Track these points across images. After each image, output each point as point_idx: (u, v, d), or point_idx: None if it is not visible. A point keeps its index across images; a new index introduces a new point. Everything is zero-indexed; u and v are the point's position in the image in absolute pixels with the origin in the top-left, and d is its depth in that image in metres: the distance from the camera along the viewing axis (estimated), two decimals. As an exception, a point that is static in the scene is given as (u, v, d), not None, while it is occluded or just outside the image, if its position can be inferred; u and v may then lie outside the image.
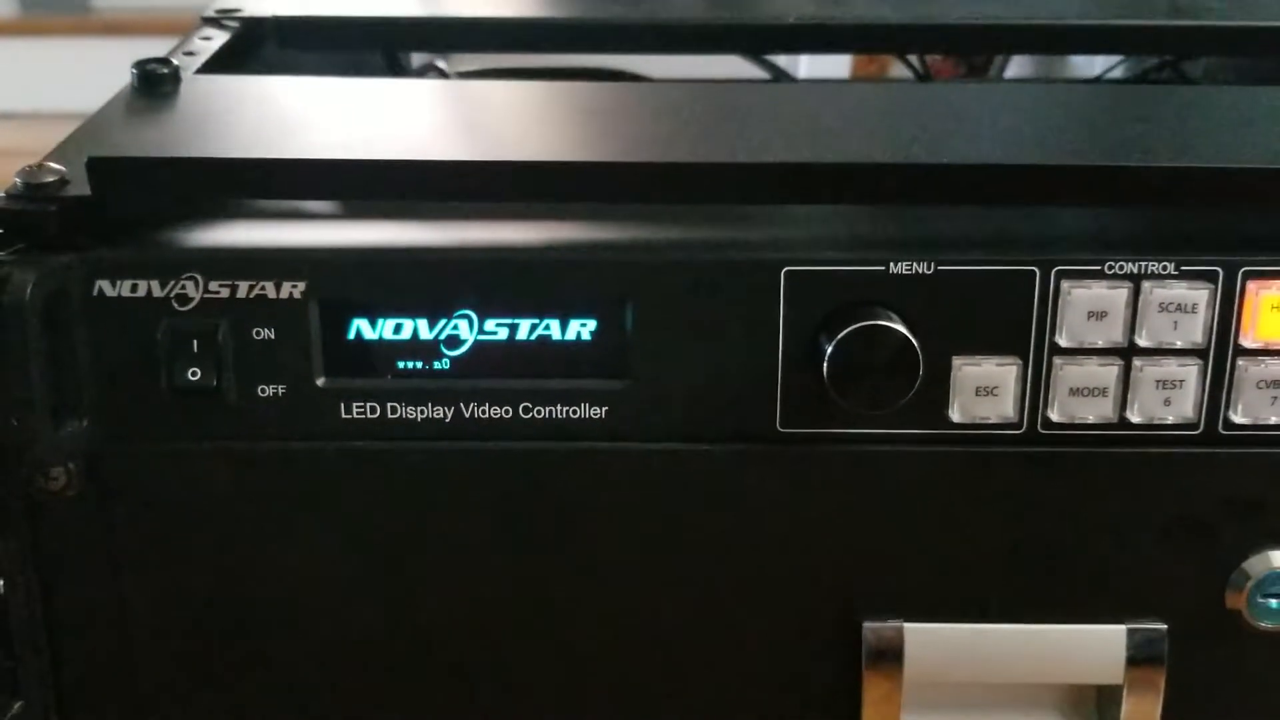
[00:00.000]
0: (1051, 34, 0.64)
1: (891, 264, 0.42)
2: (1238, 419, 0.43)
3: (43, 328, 0.40)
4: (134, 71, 0.50)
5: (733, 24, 0.61)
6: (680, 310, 0.42)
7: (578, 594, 0.45)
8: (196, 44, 0.56)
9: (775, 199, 0.43)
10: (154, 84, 0.50)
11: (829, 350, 0.41)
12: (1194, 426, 0.43)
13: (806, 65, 1.37)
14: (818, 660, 0.46)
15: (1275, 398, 0.43)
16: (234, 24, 0.58)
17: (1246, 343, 0.42)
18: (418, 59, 0.86)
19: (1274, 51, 0.64)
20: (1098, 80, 0.82)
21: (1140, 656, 0.45)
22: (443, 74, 0.83)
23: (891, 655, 0.45)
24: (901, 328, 0.41)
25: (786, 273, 0.42)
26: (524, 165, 0.42)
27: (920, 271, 0.42)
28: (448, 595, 0.45)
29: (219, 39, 0.57)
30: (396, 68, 0.78)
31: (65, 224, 0.41)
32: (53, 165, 0.42)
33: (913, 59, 0.81)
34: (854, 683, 0.45)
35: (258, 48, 0.59)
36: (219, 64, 0.55)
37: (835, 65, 1.43)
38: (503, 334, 0.43)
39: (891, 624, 0.45)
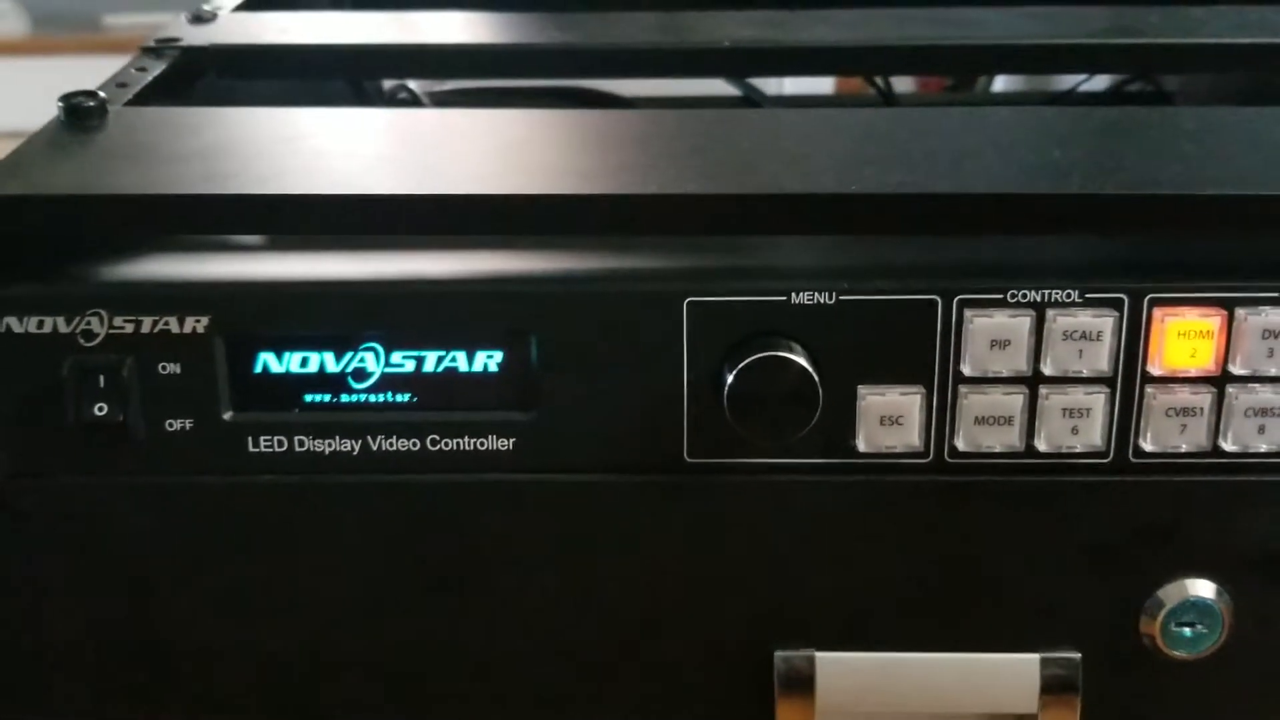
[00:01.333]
0: (1005, 54, 0.64)
1: (793, 294, 0.42)
2: (1147, 447, 0.43)
3: (-49, 364, 0.41)
4: (60, 105, 0.50)
5: (670, 49, 0.61)
6: (584, 342, 0.42)
7: (487, 625, 0.45)
8: (131, 75, 0.56)
9: (676, 230, 0.43)
10: (80, 117, 0.50)
11: (729, 381, 0.41)
12: (1103, 455, 0.43)
13: (791, 83, 1.37)
14: (731, 689, 0.45)
15: (1184, 426, 0.43)
16: (173, 53, 0.59)
17: (1154, 370, 0.42)
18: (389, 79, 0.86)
19: (1239, 68, 0.63)
20: (1070, 92, 0.82)
21: (1054, 685, 0.45)
22: (413, 94, 0.83)
23: (803, 684, 0.45)
24: (800, 358, 0.41)
25: (689, 304, 0.42)
26: (430, 199, 0.42)
27: (822, 302, 0.42)
28: (357, 628, 0.45)
29: (155, 70, 0.57)
30: (361, 93, 0.79)
31: (-29, 261, 0.42)
32: (-39, 203, 0.43)
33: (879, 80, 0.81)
34: (768, 712, 0.45)
35: (196, 79, 0.59)
36: (152, 95, 0.55)
37: (819, 82, 1.42)
38: (410, 366, 0.43)
39: (803, 653, 0.45)
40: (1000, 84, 1.05)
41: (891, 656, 0.45)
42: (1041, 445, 0.43)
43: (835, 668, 0.45)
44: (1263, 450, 0.43)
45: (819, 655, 0.45)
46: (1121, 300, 0.42)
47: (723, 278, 0.42)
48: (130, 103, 0.54)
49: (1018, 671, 0.45)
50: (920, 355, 0.42)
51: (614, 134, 0.49)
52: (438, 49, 0.62)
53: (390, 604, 0.45)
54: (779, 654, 0.45)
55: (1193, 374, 0.42)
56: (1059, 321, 0.42)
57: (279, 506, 0.44)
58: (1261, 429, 0.43)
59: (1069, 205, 0.41)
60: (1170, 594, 0.44)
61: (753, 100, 0.77)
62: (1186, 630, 0.44)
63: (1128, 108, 0.56)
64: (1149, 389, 0.42)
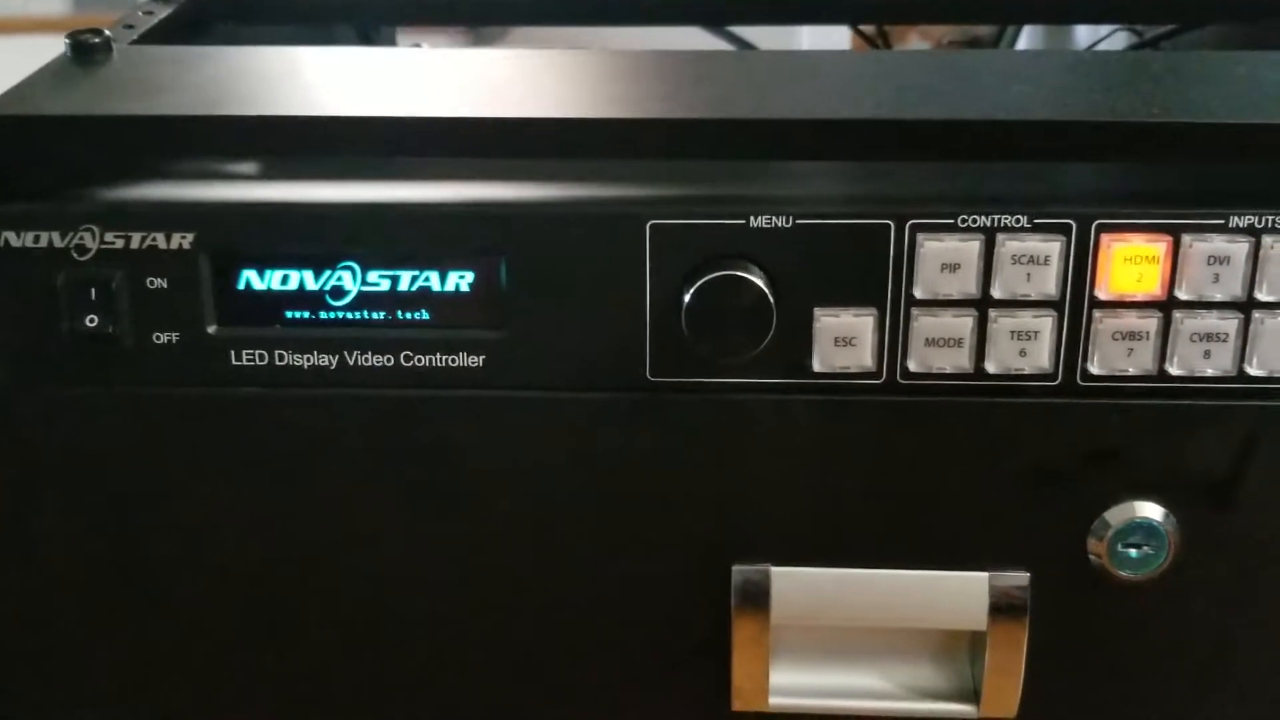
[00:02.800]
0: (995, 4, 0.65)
1: (751, 218, 0.43)
2: (1095, 370, 0.44)
3: (-49, 276, 0.43)
4: (66, 41, 0.53)
5: None
6: (551, 263, 0.44)
7: (458, 536, 0.47)
8: (138, 18, 0.58)
9: (640, 153, 0.44)
10: (85, 53, 0.52)
11: (686, 299, 0.43)
12: (1051, 377, 0.44)
13: (808, 39, 1.37)
14: (690, 602, 0.47)
15: (1131, 349, 0.44)
16: (180, -1, 0.61)
17: (1101, 295, 0.43)
18: (403, 41, 0.89)
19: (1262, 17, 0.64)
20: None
21: (1003, 603, 0.46)
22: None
23: (759, 598, 0.46)
24: (755, 278, 0.43)
25: (651, 227, 0.44)
26: (412, 121, 0.44)
27: (779, 225, 0.43)
28: (333, 536, 0.47)
29: (162, 13, 0.59)
30: (367, 43, 0.81)
31: (-28, 179, 0.44)
32: (-36, 125, 0.45)
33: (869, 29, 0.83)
34: (725, 624, 0.47)
35: (203, 22, 0.61)
36: (158, 36, 0.57)
37: (840, 39, 1.43)
38: (385, 285, 0.45)
39: (759, 567, 0.47)
40: (1024, 43, 1.05)
41: (845, 572, 0.46)
42: (991, 367, 0.44)
43: (790, 582, 0.46)
44: (1208, 374, 0.44)
45: (774, 570, 0.46)
46: (1069, 226, 0.43)
47: (684, 202, 0.44)
48: (135, 42, 0.56)
49: (967, 589, 0.46)
50: (873, 278, 0.44)
51: (590, 70, 0.51)
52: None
53: (364, 514, 0.47)
54: (736, 568, 0.47)
55: (1139, 299, 0.43)
56: (1008, 246, 0.43)
57: (261, 418, 0.46)
58: (1207, 354, 0.44)
59: (1017, 132, 0.43)
60: (1117, 515, 0.45)
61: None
62: (1133, 551, 0.45)
63: (1097, 51, 0.57)
64: (1096, 313, 0.44)
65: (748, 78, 0.50)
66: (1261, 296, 0.43)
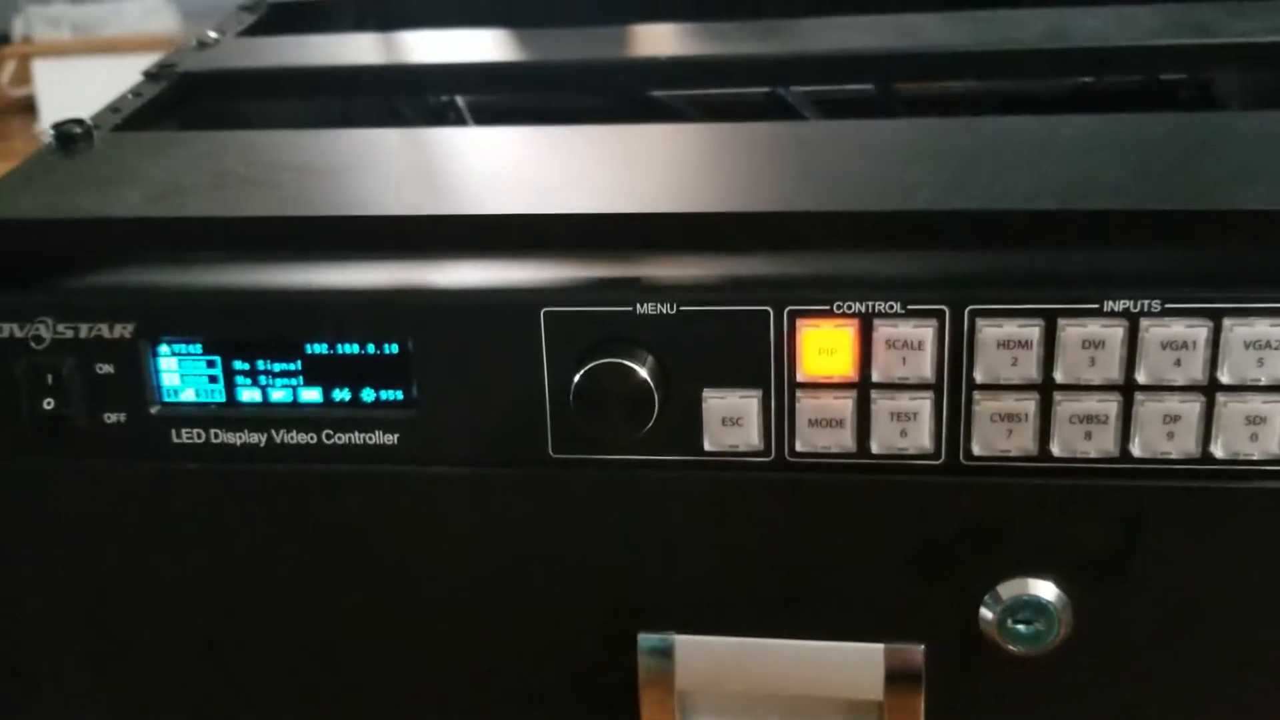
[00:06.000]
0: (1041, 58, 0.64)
1: (638, 305, 0.45)
2: (977, 450, 0.45)
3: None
4: (50, 131, 0.57)
5: (713, 60, 0.64)
6: (458, 348, 0.47)
7: (374, 602, 0.50)
8: (126, 101, 0.63)
9: (526, 248, 0.47)
10: (68, 143, 0.57)
11: (574, 383, 0.45)
12: (934, 457, 0.45)
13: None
14: (598, 671, 0.49)
15: (1010, 431, 0.45)
16: (170, 78, 0.65)
17: (978, 377, 0.44)
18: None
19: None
20: (1085, 85, 0.81)
21: (898, 674, 0.47)
22: (459, 110, 0.88)
23: (664, 665, 0.48)
24: (636, 364, 0.45)
25: (545, 313, 0.46)
26: (321, 220, 0.47)
27: (664, 312, 0.45)
28: (267, 601, 0.50)
29: (149, 95, 0.63)
30: (394, 110, 0.84)
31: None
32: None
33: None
34: (632, 691, 0.49)
35: (192, 103, 0.65)
36: (144, 120, 0.61)
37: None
38: (308, 367, 0.49)
39: (664, 636, 0.49)
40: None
41: (747, 641, 0.48)
42: (875, 447, 0.45)
43: (694, 650, 0.48)
44: (1091, 456, 0.44)
45: (679, 639, 0.48)
46: (942, 311, 0.44)
47: (575, 290, 0.46)
48: (119, 128, 0.60)
49: (862, 660, 0.47)
50: (756, 362, 0.45)
51: (500, 155, 0.53)
52: (427, 68, 0.67)
53: (290, 582, 0.50)
54: (642, 636, 0.49)
55: (1016, 381, 0.44)
56: (882, 331, 0.44)
57: (199, 493, 0.49)
58: (1088, 435, 0.44)
59: (888, 222, 0.44)
60: (1008, 590, 0.46)
61: (795, 111, 0.78)
62: (1023, 627, 0.46)
63: (1018, 120, 0.56)
64: (976, 394, 0.44)
65: (641, 159, 0.52)
66: (1141, 379, 0.43)
